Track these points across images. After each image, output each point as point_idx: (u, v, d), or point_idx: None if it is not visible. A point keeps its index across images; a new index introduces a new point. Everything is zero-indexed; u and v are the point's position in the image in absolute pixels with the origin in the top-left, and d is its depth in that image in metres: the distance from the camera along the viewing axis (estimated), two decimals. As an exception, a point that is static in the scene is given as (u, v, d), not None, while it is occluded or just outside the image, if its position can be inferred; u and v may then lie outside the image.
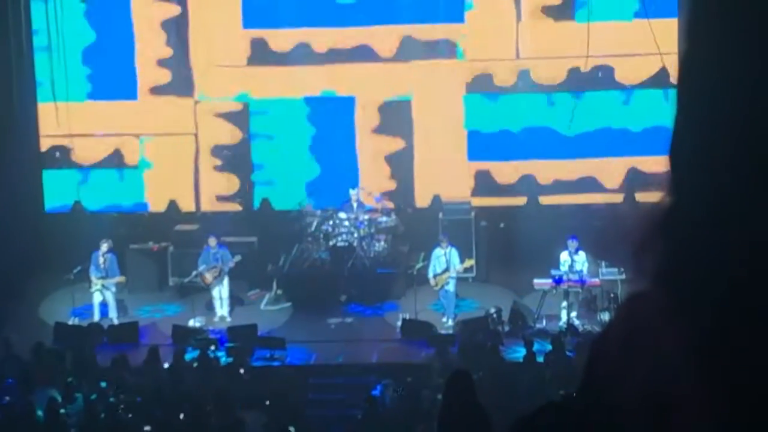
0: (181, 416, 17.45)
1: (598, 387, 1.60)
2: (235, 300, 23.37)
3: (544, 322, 21.85)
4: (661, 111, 24.86)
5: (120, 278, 23.18)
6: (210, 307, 23.00)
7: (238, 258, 22.95)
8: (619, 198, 25.04)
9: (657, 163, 24.69)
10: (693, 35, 1.48)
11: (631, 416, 1.51)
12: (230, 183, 25.97)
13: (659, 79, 24.43)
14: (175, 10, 25.67)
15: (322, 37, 25.48)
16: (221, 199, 25.81)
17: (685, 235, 1.45)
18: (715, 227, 1.42)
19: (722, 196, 1.42)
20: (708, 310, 1.41)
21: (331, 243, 24.01)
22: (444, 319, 22.37)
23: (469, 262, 23.17)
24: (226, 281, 22.95)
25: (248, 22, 25.61)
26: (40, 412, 17.40)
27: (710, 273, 1.42)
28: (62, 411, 17.40)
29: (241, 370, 19.75)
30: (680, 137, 1.50)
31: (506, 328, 21.54)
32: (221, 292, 22.92)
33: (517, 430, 1.77)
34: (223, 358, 20.60)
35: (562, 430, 1.71)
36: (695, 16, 1.49)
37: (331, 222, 24.18)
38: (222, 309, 22.89)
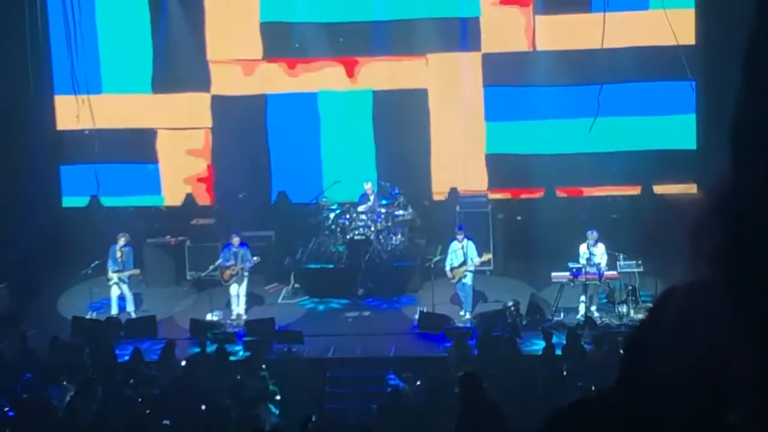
0: (203, 407, 17.48)
1: (644, 380, 1.57)
2: (253, 298, 23.30)
3: (562, 314, 21.82)
4: (678, 103, 24.81)
5: (134, 270, 23.21)
6: (228, 304, 22.94)
7: (257, 260, 22.87)
8: (636, 190, 24.98)
9: (676, 155, 24.67)
10: (762, 11, 1.45)
11: (681, 406, 1.48)
12: (247, 177, 25.94)
13: (677, 71, 24.30)
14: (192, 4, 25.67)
15: (338, 30, 25.45)
16: (238, 192, 25.78)
17: (747, 214, 1.41)
18: None
19: None
20: None
21: (348, 236, 24.02)
22: (462, 312, 22.35)
23: (487, 256, 23.14)
24: (245, 281, 22.87)
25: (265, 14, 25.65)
26: (57, 406, 17.45)
27: None
28: (81, 405, 17.43)
29: (259, 364, 19.75)
30: (744, 115, 1.46)
31: (524, 321, 21.51)
32: (239, 290, 22.87)
33: (552, 426, 1.75)
34: (241, 352, 20.62)
35: (597, 426, 1.68)
36: None
37: (348, 215, 24.20)
38: (238, 307, 22.83)
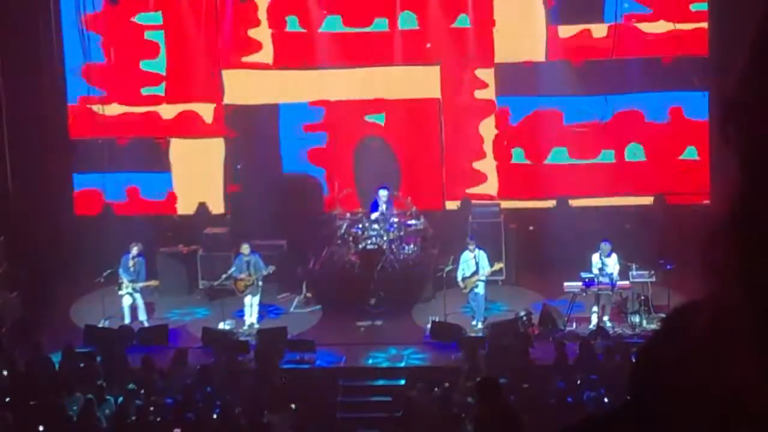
0: (214, 416, 17.49)
1: (653, 397, 1.55)
2: (266, 309, 23.26)
3: (575, 324, 21.78)
4: (689, 109, 24.79)
5: (154, 282, 23.27)
6: (241, 314, 22.90)
7: (272, 269, 22.86)
8: (649, 200, 24.93)
9: (689, 165, 24.62)
10: None
11: (691, 424, 1.47)
12: (259, 185, 25.93)
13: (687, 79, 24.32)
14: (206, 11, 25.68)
15: (350, 38, 25.46)
16: (250, 201, 25.78)
17: (758, 225, 1.39)
18: None
19: None
20: None
21: (360, 246, 23.97)
22: (473, 322, 22.32)
23: (499, 266, 23.10)
24: (259, 291, 22.83)
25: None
26: (70, 414, 17.46)
27: None
28: (92, 413, 17.45)
29: (271, 373, 19.75)
30: (756, 119, 1.44)
31: (536, 331, 21.46)
32: (253, 300, 22.83)
33: None
34: (253, 361, 20.60)
35: None
36: None
37: (360, 225, 24.15)
38: (251, 317, 22.80)
